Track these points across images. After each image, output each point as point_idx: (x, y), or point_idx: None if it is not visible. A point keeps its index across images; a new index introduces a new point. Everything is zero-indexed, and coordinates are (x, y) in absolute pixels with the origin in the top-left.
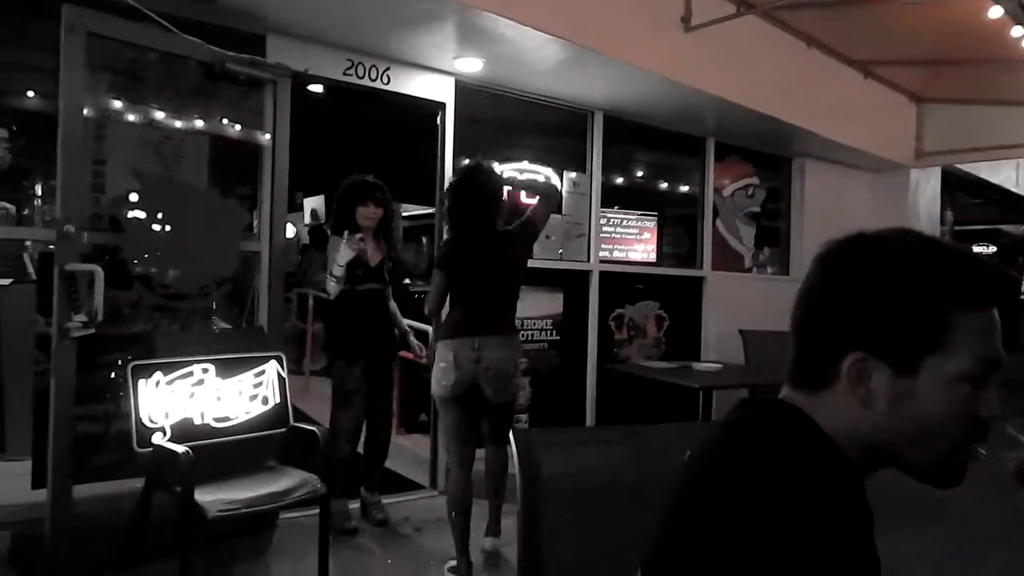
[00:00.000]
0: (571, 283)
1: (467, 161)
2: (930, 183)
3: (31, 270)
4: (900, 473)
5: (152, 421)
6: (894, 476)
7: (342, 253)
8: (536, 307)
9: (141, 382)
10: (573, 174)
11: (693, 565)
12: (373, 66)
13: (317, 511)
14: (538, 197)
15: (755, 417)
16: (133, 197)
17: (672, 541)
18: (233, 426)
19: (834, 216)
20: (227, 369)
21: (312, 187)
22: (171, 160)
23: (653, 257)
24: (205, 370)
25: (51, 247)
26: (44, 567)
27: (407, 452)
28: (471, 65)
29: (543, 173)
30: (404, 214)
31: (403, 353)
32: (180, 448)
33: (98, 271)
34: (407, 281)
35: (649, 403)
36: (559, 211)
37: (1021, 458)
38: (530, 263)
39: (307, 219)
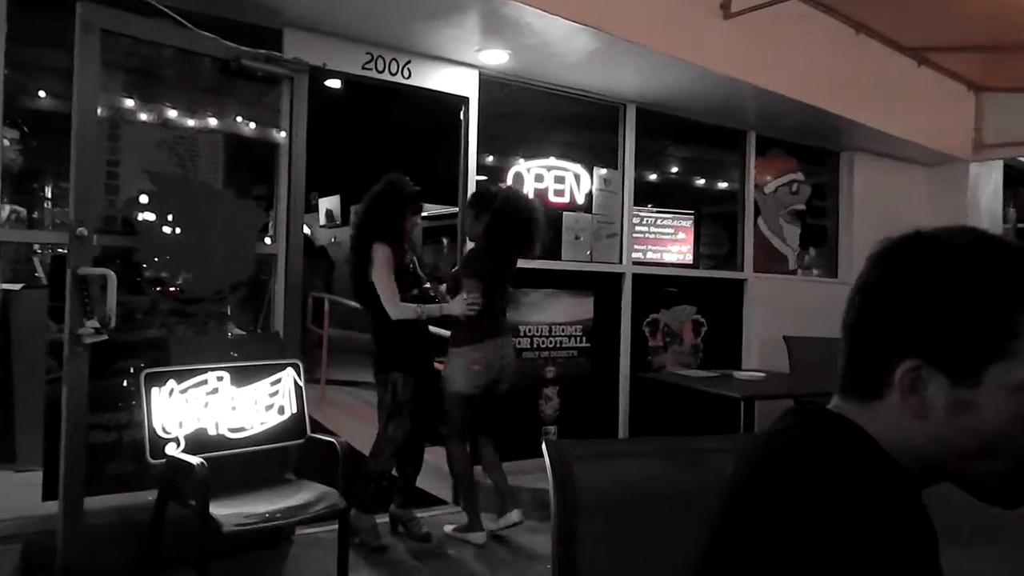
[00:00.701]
0: (602, 286)
1: (503, 185)
2: (991, 177)
3: (41, 274)
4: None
5: (166, 431)
6: (949, 489)
7: (452, 306)
8: (565, 312)
9: (154, 390)
10: (604, 170)
11: None
12: (393, 59)
13: (336, 526)
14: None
15: (803, 426)
16: (146, 199)
17: (719, 557)
18: (249, 437)
19: (885, 214)
20: (242, 377)
21: (328, 187)
22: (186, 160)
23: (690, 259)
24: (220, 378)
25: (61, 250)
26: None
27: (428, 466)
28: (496, 57)
29: (571, 169)
30: (423, 214)
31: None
32: (195, 459)
33: (111, 275)
34: (427, 285)
35: (686, 414)
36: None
37: None
38: (558, 265)
39: (322, 220)
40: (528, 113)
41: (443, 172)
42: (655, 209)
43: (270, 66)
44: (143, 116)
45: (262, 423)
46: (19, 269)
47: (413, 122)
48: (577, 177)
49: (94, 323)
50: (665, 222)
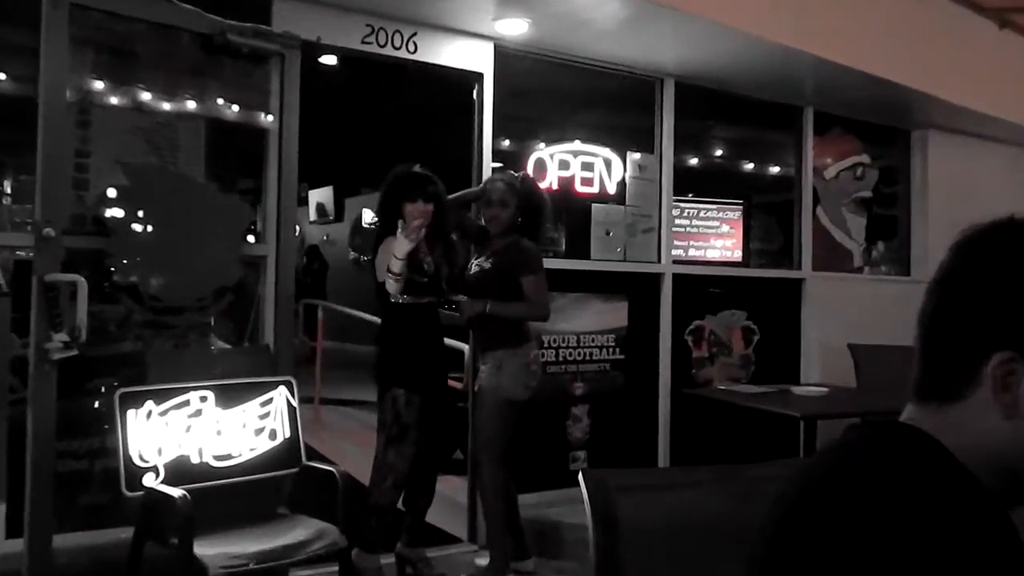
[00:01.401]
0: (637, 289)
1: (519, 173)
2: None
3: (0, 281)
4: None
5: (143, 459)
6: None
7: (399, 243)
8: (594, 319)
9: (130, 413)
10: (638, 155)
11: None
12: (397, 31)
13: (336, 568)
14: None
15: (871, 440)
16: (119, 194)
17: None
18: (236, 466)
19: (965, 200)
20: (228, 397)
21: (319, 177)
22: (163, 149)
23: (739, 255)
24: (203, 398)
25: (22, 254)
26: None
27: (439, 497)
28: (514, 27)
29: (600, 154)
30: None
31: (453, 381)
32: (176, 492)
33: (81, 282)
34: (463, 298)
35: (736, 437)
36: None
37: None
38: (586, 265)
39: (313, 215)
40: (551, 91)
41: (454, 159)
42: (698, 199)
43: (258, 41)
44: (115, 100)
45: (251, 449)
46: None
47: (419, 103)
48: (607, 163)
49: (63, 336)
50: (709, 214)
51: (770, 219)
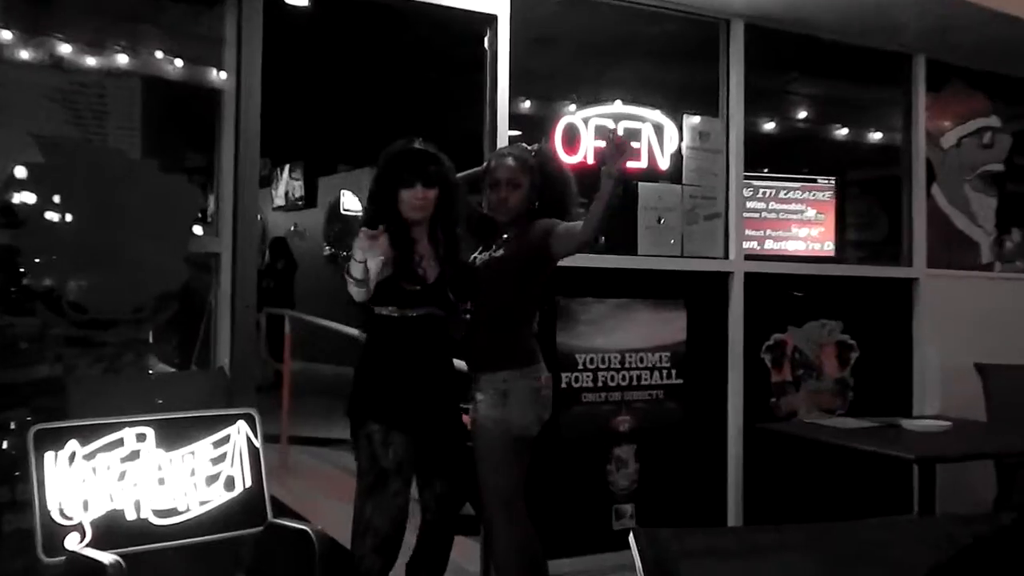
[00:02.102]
0: (698, 293)
1: (532, 146)
2: None
3: None
4: None
5: (65, 516)
6: None
7: (359, 241)
8: (644, 333)
9: (48, 456)
10: (696, 119)
11: None
12: None
13: None
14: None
15: None
16: (27, 174)
17: None
18: (184, 523)
19: None
20: (173, 436)
21: (286, 151)
22: (87, 117)
23: (830, 248)
24: (141, 437)
25: None
26: None
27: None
28: None
29: (648, 119)
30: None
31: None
32: (107, 558)
33: None
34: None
35: (831, 485)
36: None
37: None
38: (632, 262)
39: (278, 199)
40: (584, 38)
41: (460, 126)
42: (776, 176)
43: None
44: (25, 55)
45: (203, 503)
46: None
47: (416, 56)
48: (658, 130)
49: None
50: (792, 195)
51: (870, 201)
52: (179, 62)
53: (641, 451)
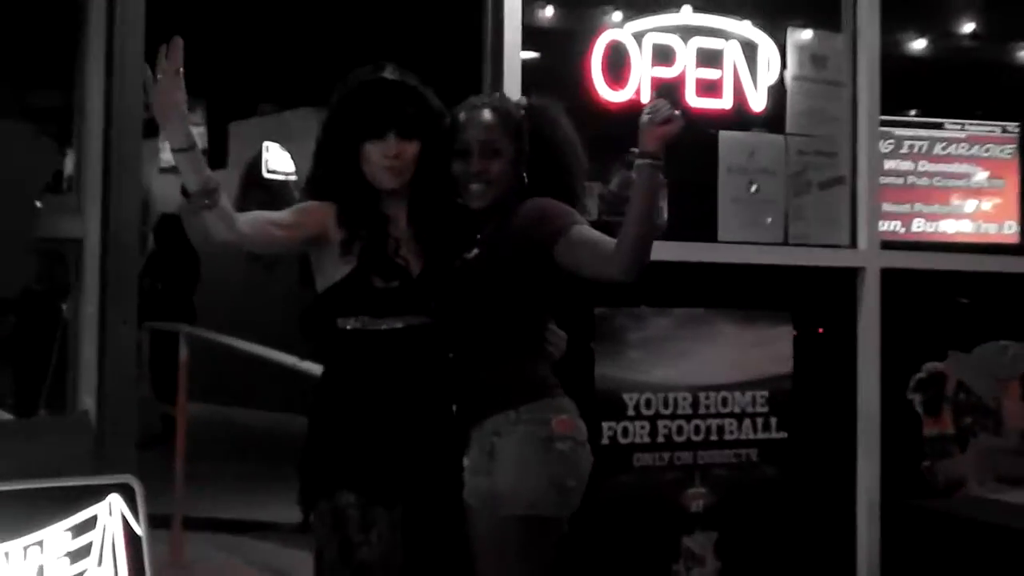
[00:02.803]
0: (810, 300)
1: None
2: None
3: None
4: None
5: None
6: None
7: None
8: (726, 361)
9: None
10: (807, 34)
11: None
12: None
13: None
14: None
15: None
16: None
17: None
18: None
19: None
20: (8, 519)
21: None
22: None
23: (1013, 231)
24: None
25: None
26: None
27: None
28: None
29: (734, 33)
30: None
31: None
32: None
33: None
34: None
35: None
36: None
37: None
38: (706, 254)
39: (166, 157)
40: None
41: (446, 46)
42: (929, 121)
43: None
44: None
45: None
46: None
47: None
48: (748, 50)
49: None
50: (954, 149)
51: None
52: None
53: (724, 542)
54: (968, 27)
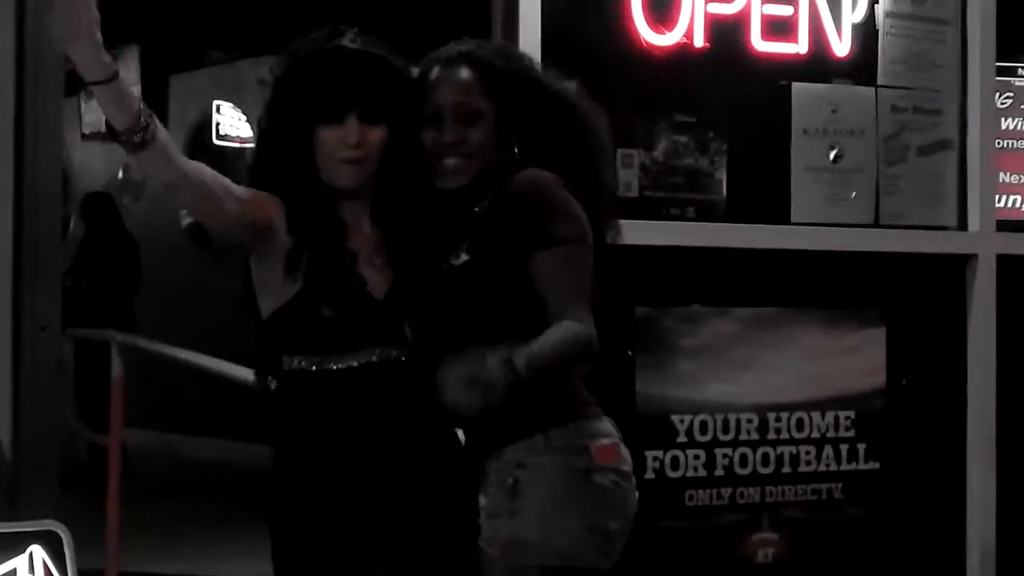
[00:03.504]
0: (908, 296)
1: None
2: None
3: None
4: None
5: None
6: None
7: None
8: (800, 373)
9: None
10: None
11: None
12: None
13: None
14: None
15: None
16: None
17: None
18: None
19: None
20: None
21: (114, 29)
22: None
23: None
24: None
25: None
26: None
27: None
28: None
29: None
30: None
31: None
32: None
33: None
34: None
35: None
36: None
37: None
38: (774, 240)
39: (89, 121)
40: None
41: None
42: None
43: None
44: None
45: None
46: None
47: None
48: None
49: None
50: None
51: None
52: None
53: None
54: None
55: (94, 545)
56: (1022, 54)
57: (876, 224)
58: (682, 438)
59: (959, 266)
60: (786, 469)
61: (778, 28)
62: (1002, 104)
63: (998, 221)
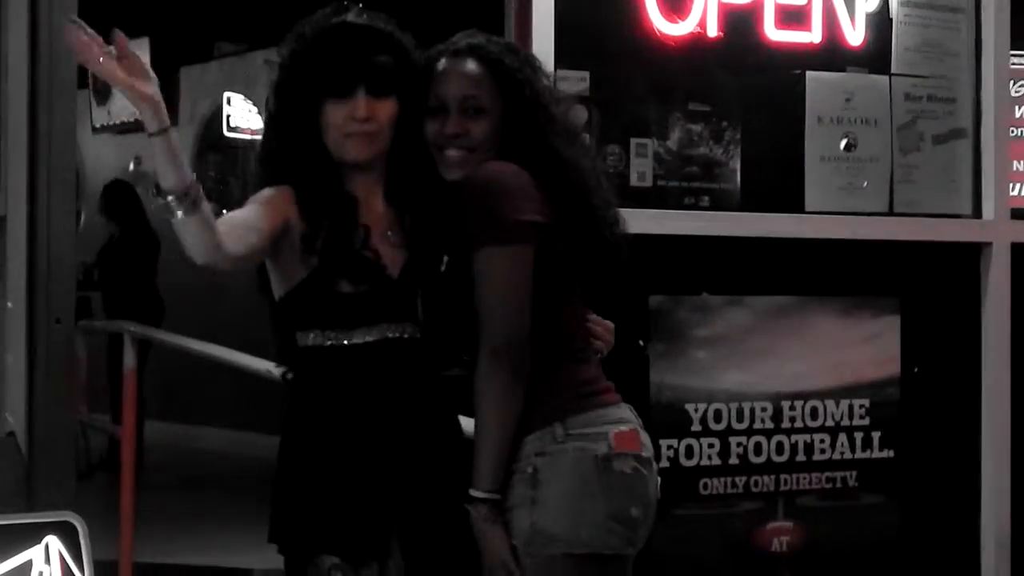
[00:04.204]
0: (923, 285)
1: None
2: None
3: None
4: None
5: None
6: None
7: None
8: (815, 363)
9: None
10: None
11: None
12: None
13: None
14: None
15: None
16: None
17: None
18: None
19: None
20: None
21: (125, 22)
22: None
23: None
24: None
25: None
26: None
27: None
28: None
29: None
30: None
31: None
32: None
33: None
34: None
35: None
36: None
37: None
38: (789, 229)
39: (100, 114)
40: None
41: None
42: None
43: None
44: None
45: None
46: None
47: None
48: None
49: None
50: None
51: None
52: None
53: None
54: None
55: (106, 537)
56: None
57: (890, 212)
58: (696, 427)
59: (973, 254)
60: (801, 457)
61: (792, 17)
62: (1016, 92)
63: (1012, 209)
